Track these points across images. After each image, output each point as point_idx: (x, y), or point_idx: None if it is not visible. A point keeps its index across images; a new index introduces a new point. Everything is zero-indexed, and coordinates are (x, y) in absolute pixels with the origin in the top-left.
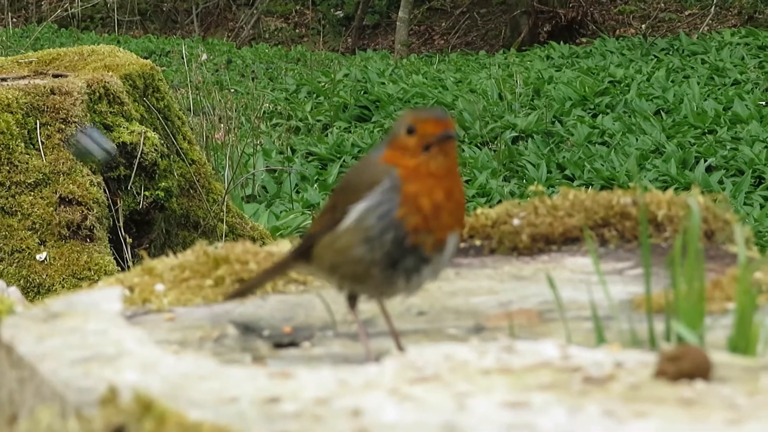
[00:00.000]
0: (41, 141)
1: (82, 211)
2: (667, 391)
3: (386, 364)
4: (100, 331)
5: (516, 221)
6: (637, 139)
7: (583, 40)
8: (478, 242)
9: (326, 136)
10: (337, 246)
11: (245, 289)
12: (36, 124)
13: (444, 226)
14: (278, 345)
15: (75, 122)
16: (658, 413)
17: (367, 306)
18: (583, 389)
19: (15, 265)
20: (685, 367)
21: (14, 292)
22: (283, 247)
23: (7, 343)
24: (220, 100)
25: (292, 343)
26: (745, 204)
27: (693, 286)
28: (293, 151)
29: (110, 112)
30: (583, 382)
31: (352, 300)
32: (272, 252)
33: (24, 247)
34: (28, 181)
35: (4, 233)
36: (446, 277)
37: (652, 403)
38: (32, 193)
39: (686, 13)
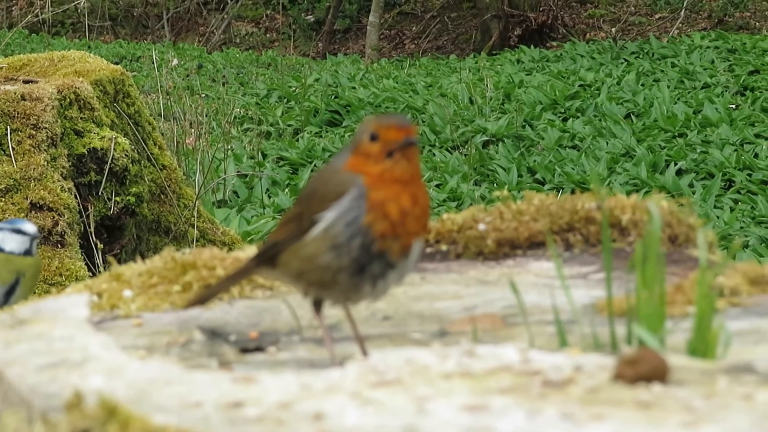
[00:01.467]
0: (12, 147)
1: (53, 217)
2: (625, 394)
3: (349, 368)
4: (66, 337)
5: (482, 226)
6: (607, 143)
7: (554, 44)
8: (444, 247)
9: (297, 140)
10: (304, 253)
11: (207, 295)
12: (7, 130)
13: (410, 232)
14: (244, 350)
15: (46, 128)
16: (616, 416)
17: (332, 311)
18: (542, 392)
19: None
20: (643, 371)
21: None
22: (251, 252)
23: None
24: (190, 105)
25: (258, 348)
26: (715, 207)
27: (654, 289)
28: (264, 155)
29: (81, 118)
30: (542, 386)
31: (318, 305)
32: (239, 257)
33: None
34: None
35: None
36: (412, 282)
37: (610, 406)
38: (3, 199)
39: (656, 16)
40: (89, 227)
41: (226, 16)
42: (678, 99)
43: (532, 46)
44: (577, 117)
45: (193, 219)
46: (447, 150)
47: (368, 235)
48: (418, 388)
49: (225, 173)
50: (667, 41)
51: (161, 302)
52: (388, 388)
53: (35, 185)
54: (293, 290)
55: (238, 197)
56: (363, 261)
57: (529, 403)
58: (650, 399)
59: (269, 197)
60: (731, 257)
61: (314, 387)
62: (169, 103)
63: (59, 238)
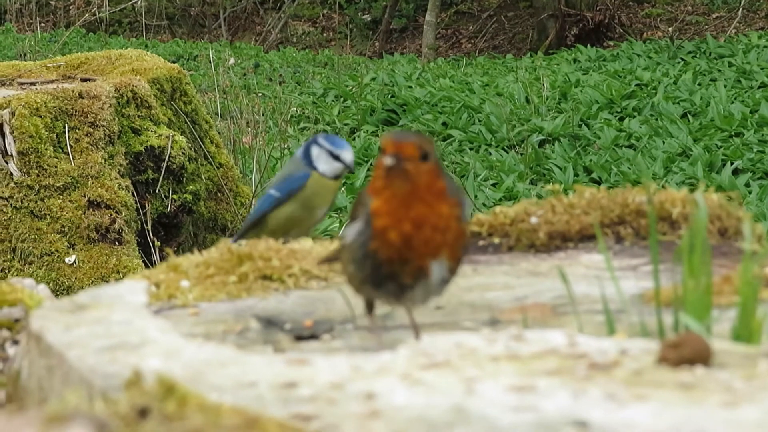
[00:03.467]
0: (70, 145)
1: (111, 215)
2: (668, 376)
3: (399, 351)
4: (125, 322)
5: (534, 219)
6: (663, 142)
7: (611, 43)
8: (496, 240)
9: (353, 139)
10: (342, 259)
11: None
12: (65, 127)
13: (422, 255)
14: (299, 337)
15: (103, 126)
16: (658, 396)
17: None
18: (588, 374)
19: (44, 268)
20: (686, 354)
21: (43, 290)
22: (305, 245)
23: (36, 333)
24: (247, 104)
25: (313, 336)
26: None
27: (700, 279)
28: None
29: (138, 116)
30: (588, 368)
31: (369, 305)
32: (294, 249)
33: (53, 250)
34: (57, 185)
35: (33, 236)
36: (464, 274)
37: (653, 387)
38: (61, 197)
39: (713, 15)
40: (146, 225)
41: (282, 15)
42: (735, 98)
43: (588, 46)
44: (634, 116)
45: None
46: (503, 149)
47: (376, 259)
48: (467, 370)
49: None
50: (724, 40)
51: (217, 292)
52: (437, 370)
53: (93, 183)
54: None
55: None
56: (377, 280)
57: (575, 384)
58: (692, 380)
59: None
60: None
61: (365, 369)
62: (226, 102)
63: (116, 236)
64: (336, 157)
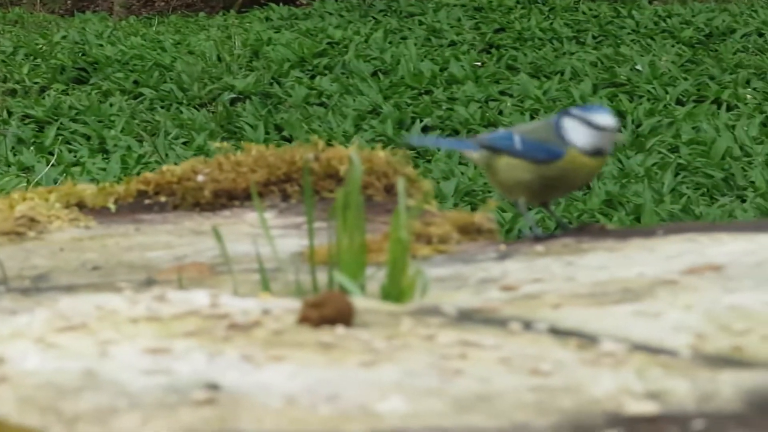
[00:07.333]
0: None
1: None
2: (308, 336)
3: (36, 314)
4: None
5: (200, 177)
6: (354, 100)
7: (303, 1)
8: (163, 199)
9: (43, 98)
10: None
11: None
12: None
13: None
14: None
15: None
16: (296, 357)
17: (42, 261)
18: (227, 335)
19: None
20: (328, 313)
21: None
22: None
23: None
24: None
25: None
26: (459, 164)
27: (354, 237)
28: (10, 113)
29: None
30: (227, 329)
31: None
32: None
33: None
34: None
35: None
36: (125, 233)
37: (292, 348)
38: None
39: None
40: None
41: None
42: (425, 57)
43: (281, 4)
44: (325, 74)
45: None
46: (195, 107)
47: None
48: (103, 333)
49: None
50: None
51: None
52: (73, 333)
53: None
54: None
55: None
56: None
57: (212, 345)
58: (332, 340)
59: (14, 155)
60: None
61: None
62: None
63: None
64: (591, 125)
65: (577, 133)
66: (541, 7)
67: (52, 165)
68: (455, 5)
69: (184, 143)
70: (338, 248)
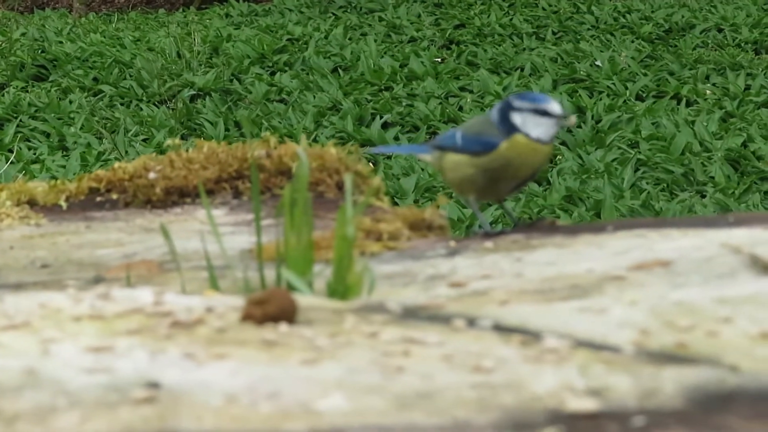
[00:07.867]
0: None
1: None
2: (251, 334)
3: None
4: None
5: (152, 174)
6: (314, 97)
7: None
8: (114, 196)
9: (2, 95)
10: None
11: None
12: None
13: None
14: None
15: None
16: (238, 355)
17: None
18: (169, 333)
19: None
20: (271, 310)
21: None
22: None
23: None
24: None
25: None
26: (419, 160)
27: (302, 234)
28: None
29: None
30: (170, 327)
31: None
32: None
33: None
34: None
35: None
36: (76, 231)
37: (234, 346)
38: None
39: None
40: None
41: None
42: (385, 53)
43: (240, 1)
44: (285, 71)
45: None
46: (155, 104)
47: None
48: (46, 331)
49: None
50: None
51: None
52: (15, 332)
53: None
54: None
55: None
56: None
57: (154, 343)
58: (275, 338)
59: None
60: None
61: None
62: None
63: None
64: (543, 113)
65: (525, 122)
66: (501, 3)
67: (11, 162)
68: (415, 1)
69: (144, 140)
70: (286, 245)
